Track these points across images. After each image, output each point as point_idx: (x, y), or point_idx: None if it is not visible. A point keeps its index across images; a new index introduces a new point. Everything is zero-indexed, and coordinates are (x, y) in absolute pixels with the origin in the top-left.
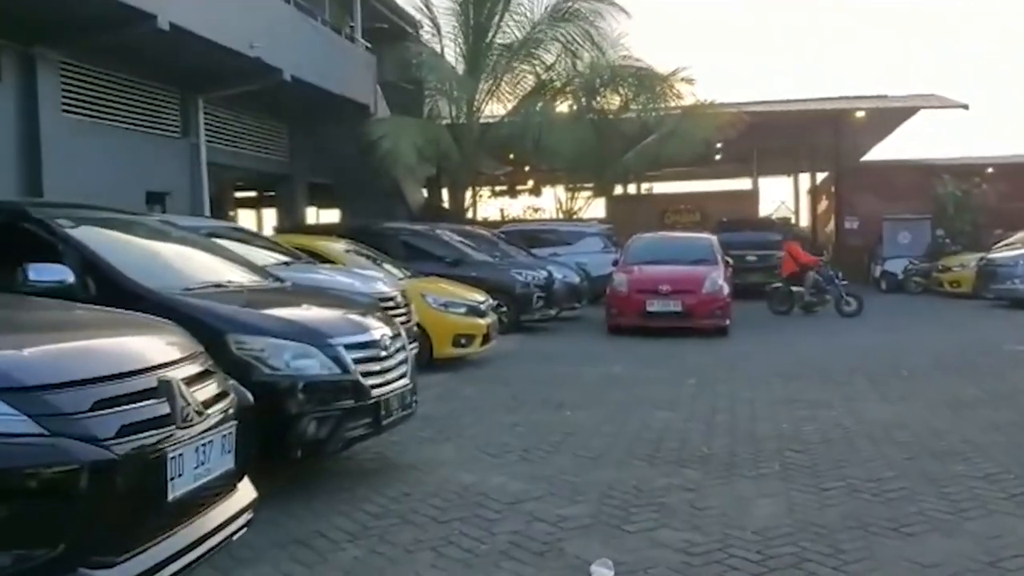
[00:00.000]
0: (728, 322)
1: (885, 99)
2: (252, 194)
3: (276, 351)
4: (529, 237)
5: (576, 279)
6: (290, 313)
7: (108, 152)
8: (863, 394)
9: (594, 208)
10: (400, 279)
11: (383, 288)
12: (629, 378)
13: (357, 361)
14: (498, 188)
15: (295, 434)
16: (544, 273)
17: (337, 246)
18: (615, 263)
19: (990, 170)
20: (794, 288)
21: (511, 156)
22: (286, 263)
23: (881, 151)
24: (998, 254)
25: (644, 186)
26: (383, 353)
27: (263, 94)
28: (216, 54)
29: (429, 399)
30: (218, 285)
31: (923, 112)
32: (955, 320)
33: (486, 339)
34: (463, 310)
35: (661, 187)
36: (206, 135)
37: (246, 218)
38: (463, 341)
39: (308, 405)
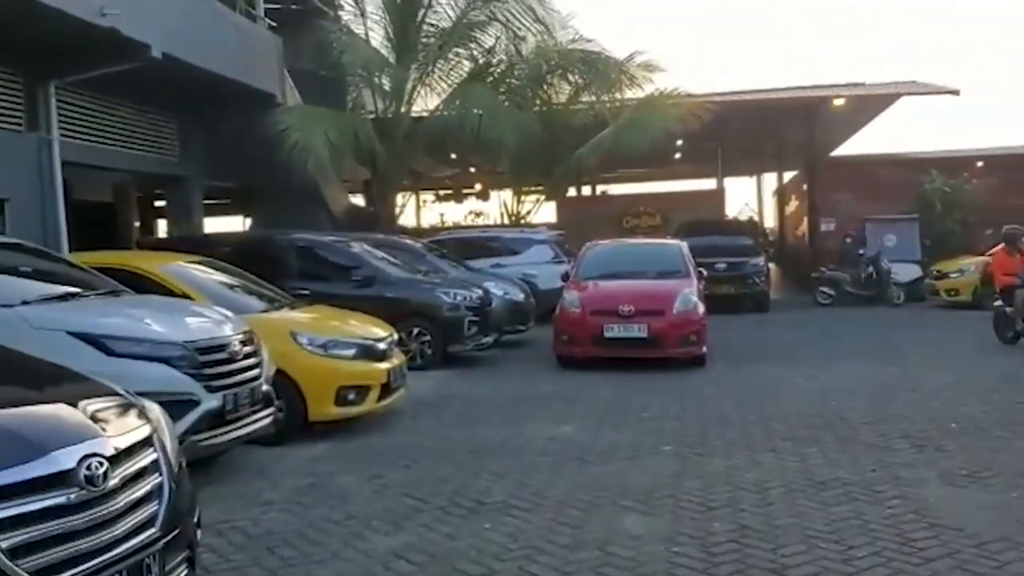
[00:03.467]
0: (705, 349)
1: (862, 87)
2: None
3: None
4: (468, 246)
5: (520, 296)
6: None
7: None
8: (913, 468)
9: (544, 212)
10: (263, 310)
11: (218, 332)
12: (583, 445)
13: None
14: (443, 192)
15: None
16: (478, 291)
17: (176, 267)
18: (565, 277)
19: (980, 164)
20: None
21: (452, 155)
22: (63, 297)
23: (853, 146)
24: None
25: (599, 188)
26: (79, 495)
27: (139, 78)
28: (59, 23)
29: (283, 499)
30: None
31: (905, 101)
32: (967, 341)
33: (386, 391)
34: (352, 352)
35: (618, 189)
36: (61, 129)
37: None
38: (351, 396)
39: None
